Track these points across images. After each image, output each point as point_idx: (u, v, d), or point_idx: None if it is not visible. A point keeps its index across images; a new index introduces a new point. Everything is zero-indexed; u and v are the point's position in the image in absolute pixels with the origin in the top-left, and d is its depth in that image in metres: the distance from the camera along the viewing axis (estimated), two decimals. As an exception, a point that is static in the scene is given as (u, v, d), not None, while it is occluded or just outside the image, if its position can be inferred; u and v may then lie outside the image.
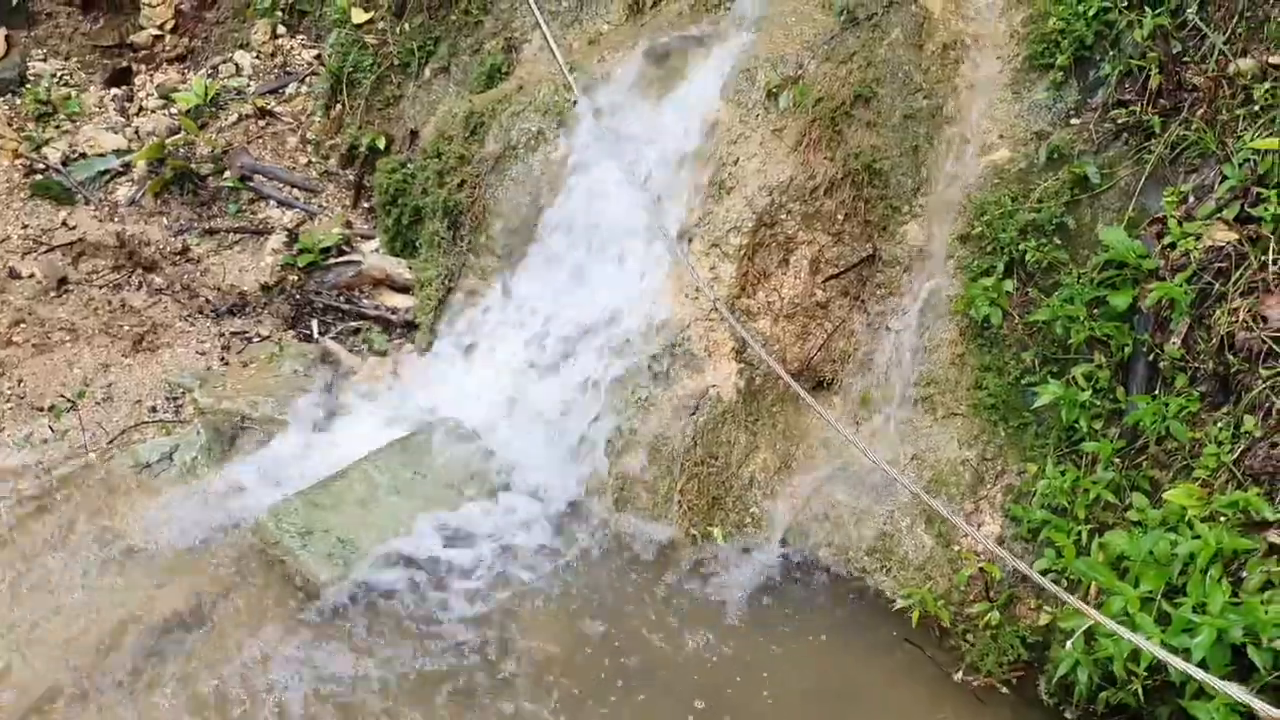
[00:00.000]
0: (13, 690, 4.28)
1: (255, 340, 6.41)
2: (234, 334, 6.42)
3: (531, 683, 4.46)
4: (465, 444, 5.63)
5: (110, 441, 5.59)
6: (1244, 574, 3.70)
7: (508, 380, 5.86)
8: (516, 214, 6.18)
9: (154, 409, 5.85)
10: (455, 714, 4.31)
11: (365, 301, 6.73)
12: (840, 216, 5.33)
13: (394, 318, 6.60)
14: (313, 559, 4.88)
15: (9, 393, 5.83)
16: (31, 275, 6.48)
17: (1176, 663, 3.18)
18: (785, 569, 5.09)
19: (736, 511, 5.29)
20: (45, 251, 6.65)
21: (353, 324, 6.61)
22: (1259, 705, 2.96)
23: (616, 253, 5.76)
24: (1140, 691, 3.75)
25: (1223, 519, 3.82)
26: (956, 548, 4.75)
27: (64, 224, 6.86)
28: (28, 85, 7.79)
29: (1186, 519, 3.89)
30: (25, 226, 6.82)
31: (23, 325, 6.20)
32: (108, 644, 4.48)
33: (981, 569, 4.54)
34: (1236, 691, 3.05)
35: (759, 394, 5.40)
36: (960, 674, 4.53)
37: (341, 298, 6.72)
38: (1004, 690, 4.46)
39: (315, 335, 6.49)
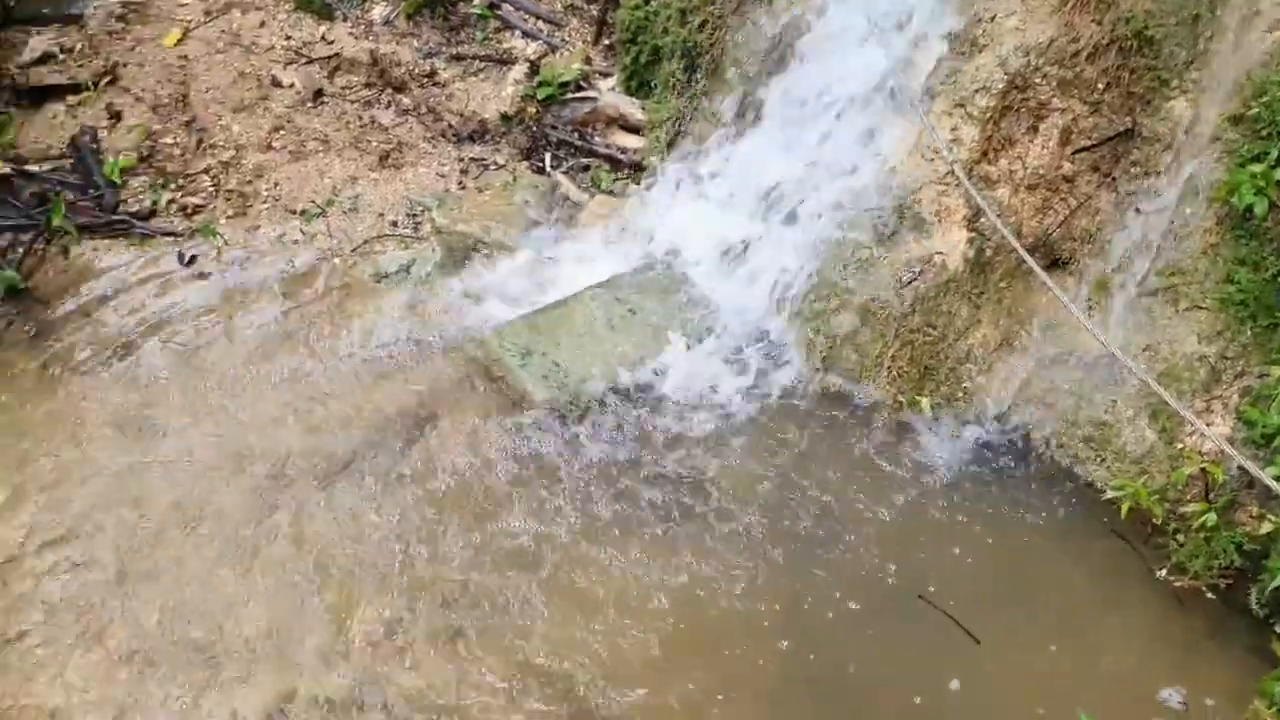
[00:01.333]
0: (259, 463, 4.74)
1: (491, 168, 6.61)
2: (472, 160, 6.63)
3: (725, 521, 4.60)
4: (680, 286, 5.71)
5: (353, 250, 5.94)
6: None
7: (728, 227, 5.87)
8: (754, 59, 6.07)
9: (395, 223, 6.16)
10: (649, 541, 4.50)
11: (597, 139, 6.80)
12: (1100, 85, 4.99)
13: (623, 157, 6.65)
14: (530, 378, 5.13)
15: (266, 194, 6.25)
16: (291, 85, 6.84)
17: None
18: (993, 448, 5.01)
19: (948, 384, 5.20)
20: (305, 64, 6.99)
21: (583, 160, 6.71)
22: None
23: (853, 106, 5.60)
24: (1364, 613, 3.56)
25: None
26: (1180, 445, 4.54)
27: (323, 38, 7.17)
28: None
29: None
30: (288, 38, 7.17)
31: (281, 132, 6.59)
32: (334, 438, 4.87)
33: (1204, 469, 4.32)
34: None
35: (987, 266, 5.22)
36: (1164, 572, 4.41)
37: (575, 133, 6.81)
38: (1209, 595, 4.31)
39: (547, 168, 6.63)
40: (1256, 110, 4.59)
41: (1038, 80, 5.04)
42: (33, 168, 6.30)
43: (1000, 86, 5.07)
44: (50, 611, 4.14)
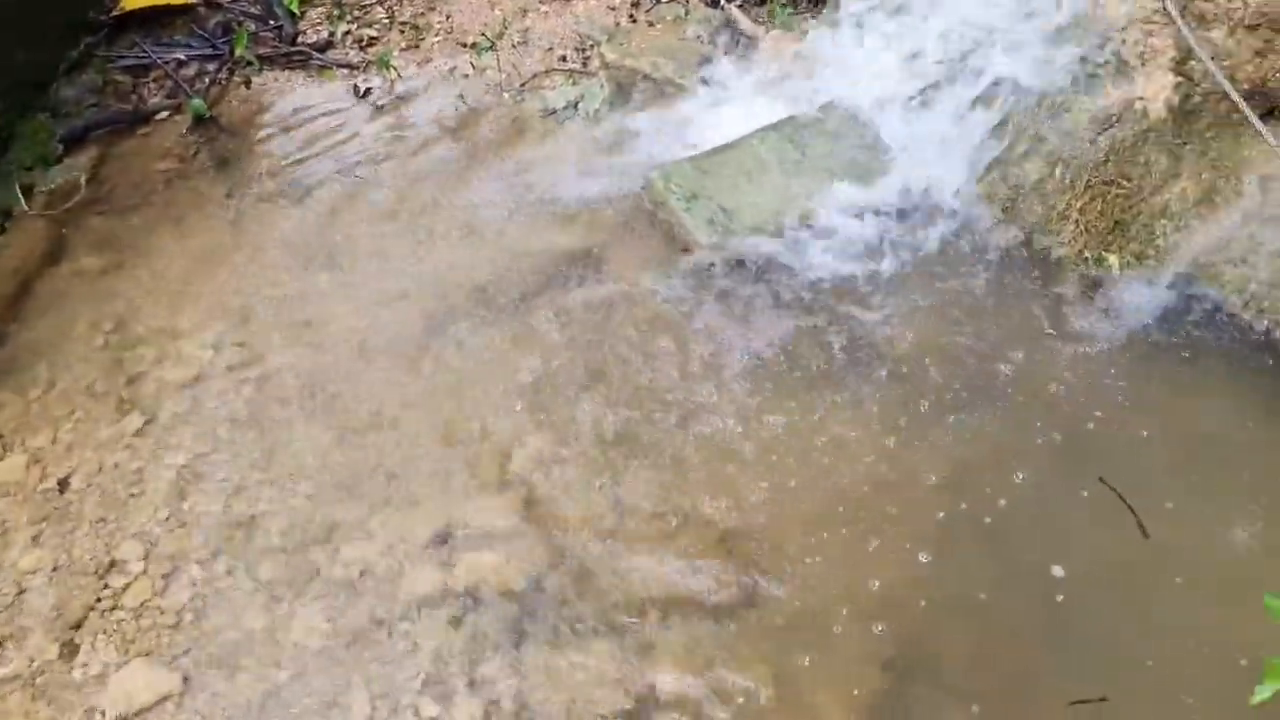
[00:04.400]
0: (428, 297, 4.84)
1: (663, 1, 6.40)
2: (643, -8, 6.45)
3: (890, 375, 4.48)
4: (856, 130, 5.47)
5: (523, 85, 5.90)
6: None
7: (911, 70, 5.55)
8: (950, -117, 5.63)
9: (564, 58, 6.07)
10: (809, 391, 4.43)
11: (774, -29, 6.49)
12: (1347, -90, 4.45)
13: (801, -10, 6.35)
14: (695, 221, 5.04)
15: (438, 27, 6.24)
16: (465, -86, 6.73)
17: None
18: (1186, 310, 4.67)
19: (1139, 241, 4.86)
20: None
21: (759, -7, 6.44)
22: None
23: (1056, -63, 5.16)
24: None
25: None
26: (1399, 316, 4.17)
27: None
28: None
29: None
30: None
31: (455, -36, 6.52)
32: (500, 270, 4.93)
33: None
34: None
35: (1193, 114, 4.80)
36: (1368, 452, 4.10)
37: (751, -35, 6.51)
38: None
39: (721, 2, 6.38)
40: None
41: (1272, -97, 4.51)
42: (218, -2, 6.44)
43: (1227, -90, 4.57)
44: (235, 427, 4.39)
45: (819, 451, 4.19)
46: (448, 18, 6.24)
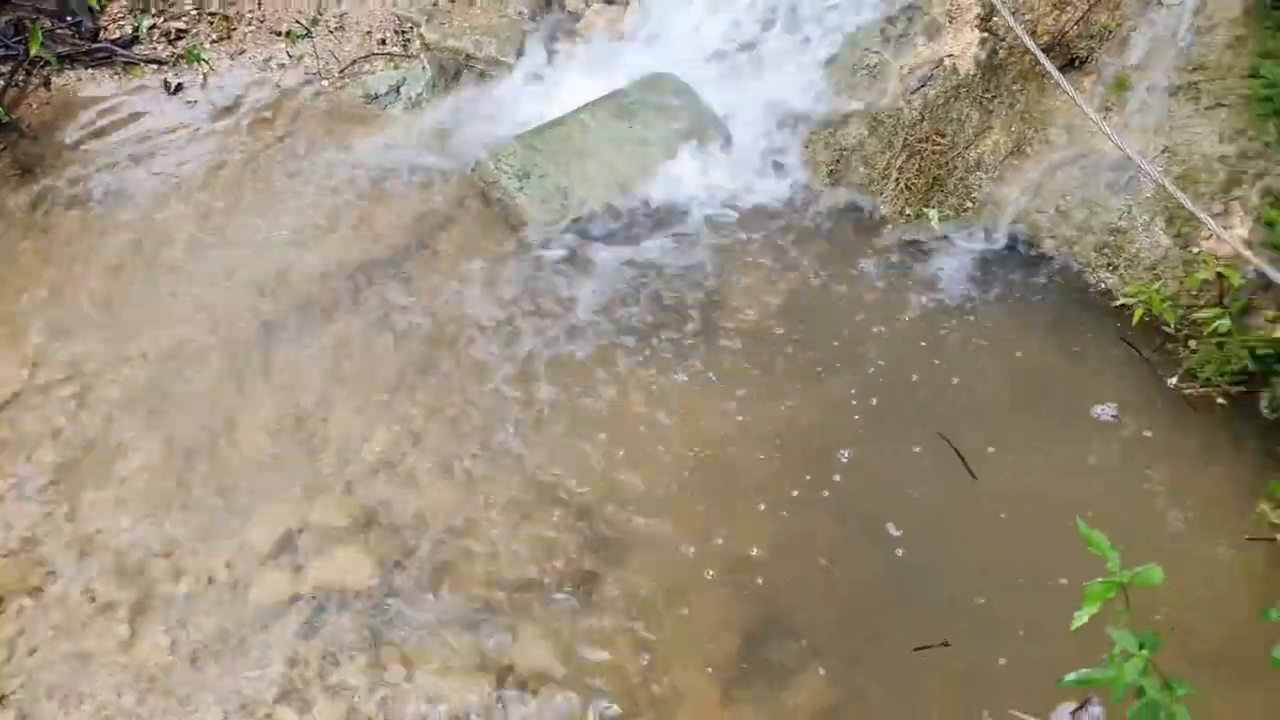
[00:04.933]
0: (255, 293, 4.68)
1: (482, -22, 6.31)
2: (462, -30, 6.33)
3: (732, 340, 4.54)
4: (683, 99, 5.49)
5: (341, 71, 5.74)
6: None
7: (731, 36, 5.61)
8: None
9: (383, 41, 5.93)
10: (656, 361, 4.45)
11: (593, -57, 6.46)
12: None
13: (621, -37, 6.33)
14: (529, 200, 4.99)
15: (250, 16, 6.00)
16: (269, -103, 6.48)
17: None
18: (1004, 258, 4.88)
19: (957, 195, 5.04)
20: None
21: (579, -33, 6.39)
22: None
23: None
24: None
25: None
26: (1196, 250, 4.42)
27: None
28: None
29: None
30: None
31: (262, -51, 6.28)
32: (329, 263, 4.80)
33: (1220, 274, 4.22)
34: None
35: (1000, 68, 5.00)
36: (1176, 379, 4.34)
37: (570, -62, 6.46)
38: (1220, 401, 4.26)
39: (542, -24, 6.33)
40: (1292, -111, 4.28)
41: None
42: (5, -6, 6.06)
43: None
44: (62, 447, 4.18)
45: (661, 424, 4.22)
46: (259, 5, 6.01)
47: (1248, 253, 3.62)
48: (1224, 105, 4.50)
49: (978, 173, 5.03)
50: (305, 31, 5.84)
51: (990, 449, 4.10)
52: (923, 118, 4.99)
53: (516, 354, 4.46)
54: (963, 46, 4.95)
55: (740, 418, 4.24)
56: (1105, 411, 4.26)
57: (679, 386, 4.35)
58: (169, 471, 4.08)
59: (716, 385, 4.36)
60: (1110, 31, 4.87)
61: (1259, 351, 4.16)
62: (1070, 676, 2.26)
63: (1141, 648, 2.19)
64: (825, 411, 4.28)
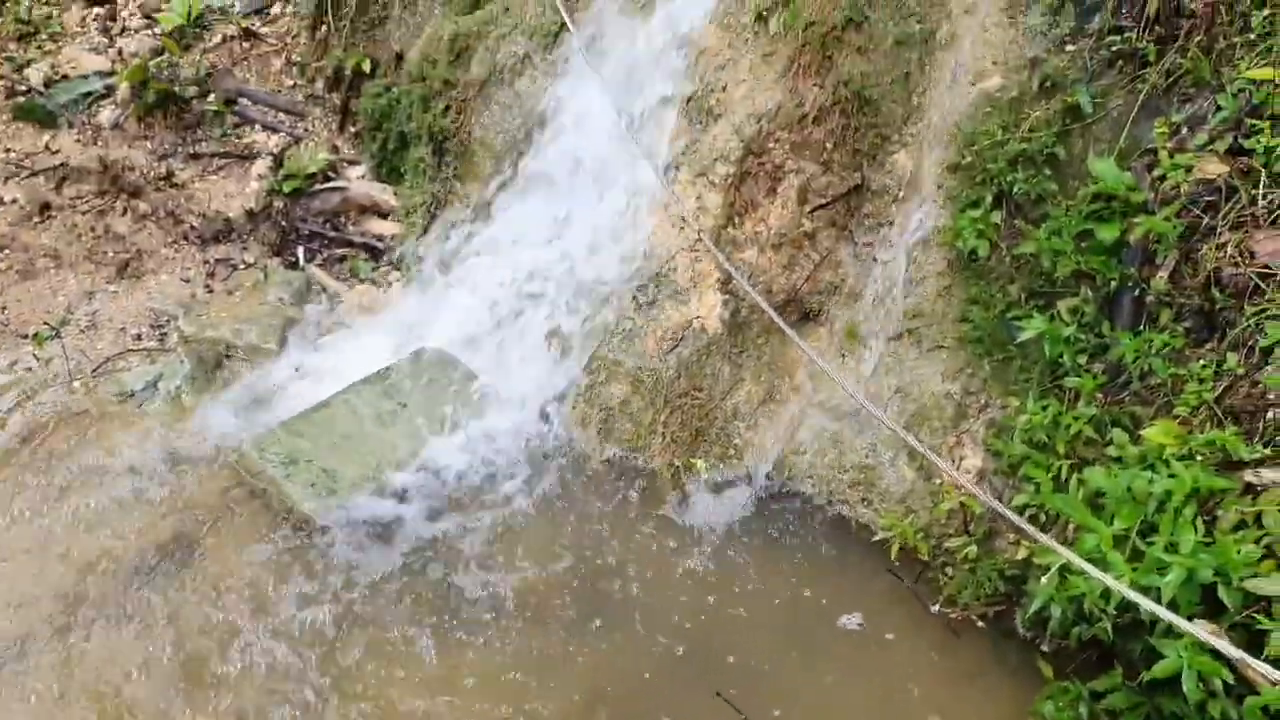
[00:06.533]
0: (13, 610, 4.34)
1: (240, 267, 6.36)
2: (219, 261, 6.36)
3: (511, 608, 4.49)
4: (448, 373, 5.61)
5: (95, 370, 5.57)
6: (1219, 513, 3.68)
7: (491, 309, 5.82)
8: (502, 140, 6.09)
9: (138, 337, 5.82)
10: (442, 646, 4.34)
11: (351, 228, 6.66)
12: (829, 145, 5.22)
13: (380, 245, 6.54)
14: (296, 489, 4.89)
15: (-8, 320, 5.81)
16: (14, 201, 6.41)
17: (1143, 602, 3.17)
18: (768, 501, 5.10)
19: (720, 444, 5.27)
20: (28, 176, 6.58)
21: (339, 251, 6.55)
22: (1221, 645, 2.96)
23: (602, 181, 5.69)
24: (1111, 628, 3.75)
25: (1200, 457, 3.80)
26: (938, 480, 4.74)
27: (47, 148, 6.77)
28: (8, 4, 7.62)
29: (1164, 457, 3.86)
30: (8, 150, 6.74)
31: (6, 252, 6.16)
32: (92, 574, 4.52)
33: (961, 503, 4.53)
34: (1200, 632, 3.05)
35: (744, 326, 5.35)
36: (938, 606, 4.56)
37: (327, 224, 6.65)
38: (980, 623, 4.48)
39: (301, 263, 6.44)
40: (969, 159, 4.89)
41: (771, 145, 5.23)
42: None
43: (737, 154, 5.24)
44: None
45: (457, 696, 4.10)
46: (3, 309, 5.82)
47: (973, 488, 3.91)
48: (943, 347, 4.94)
49: (735, 422, 5.29)
50: (53, 332, 5.68)
51: (776, 712, 4.15)
52: (679, 375, 5.25)
53: (288, 656, 4.25)
54: (708, 309, 5.29)
55: (533, 688, 4.17)
56: (872, 637, 4.42)
57: (464, 666, 4.24)
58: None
59: (508, 659, 4.28)
60: (837, 286, 5.33)
61: (1008, 573, 4.44)
62: None
63: None
64: (616, 674, 4.26)
